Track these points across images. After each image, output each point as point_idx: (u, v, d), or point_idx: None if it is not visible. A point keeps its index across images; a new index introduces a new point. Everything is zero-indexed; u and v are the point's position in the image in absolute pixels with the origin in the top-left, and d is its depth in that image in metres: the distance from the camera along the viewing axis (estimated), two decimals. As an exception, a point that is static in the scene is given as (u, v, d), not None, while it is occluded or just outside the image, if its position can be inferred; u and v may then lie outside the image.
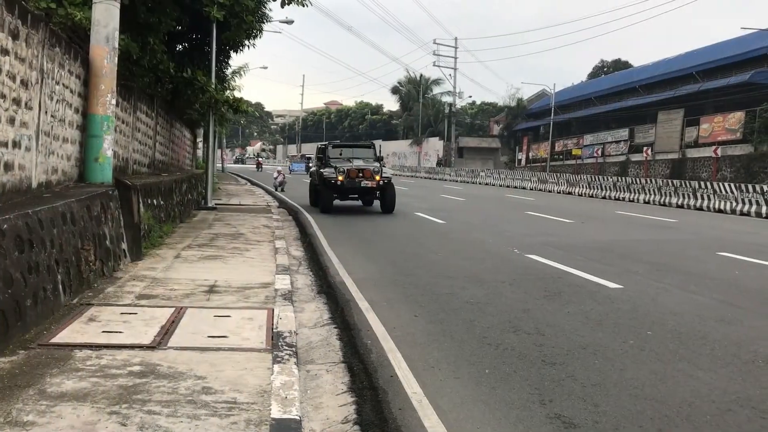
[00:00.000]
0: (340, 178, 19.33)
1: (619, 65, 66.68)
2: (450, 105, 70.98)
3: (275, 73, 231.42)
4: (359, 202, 21.82)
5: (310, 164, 59.92)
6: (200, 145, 33.79)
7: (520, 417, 4.41)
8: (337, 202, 20.47)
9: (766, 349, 6.04)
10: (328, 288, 8.64)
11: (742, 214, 23.31)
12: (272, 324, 6.32)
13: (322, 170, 20.08)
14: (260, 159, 79.20)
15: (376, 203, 21.23)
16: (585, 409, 4.55)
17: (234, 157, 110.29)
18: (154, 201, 12.43)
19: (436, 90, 79.29)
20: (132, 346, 5.44)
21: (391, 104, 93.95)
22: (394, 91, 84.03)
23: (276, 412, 4.15)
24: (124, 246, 9.27)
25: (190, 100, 17.93)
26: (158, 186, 13.11)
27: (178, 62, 16.47)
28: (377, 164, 20.26)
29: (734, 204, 23.98)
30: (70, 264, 7.00)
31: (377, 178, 19.52)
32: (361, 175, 19.52)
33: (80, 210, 7.60)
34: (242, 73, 30.01)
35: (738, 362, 5.67)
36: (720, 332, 6.64)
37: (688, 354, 5.90)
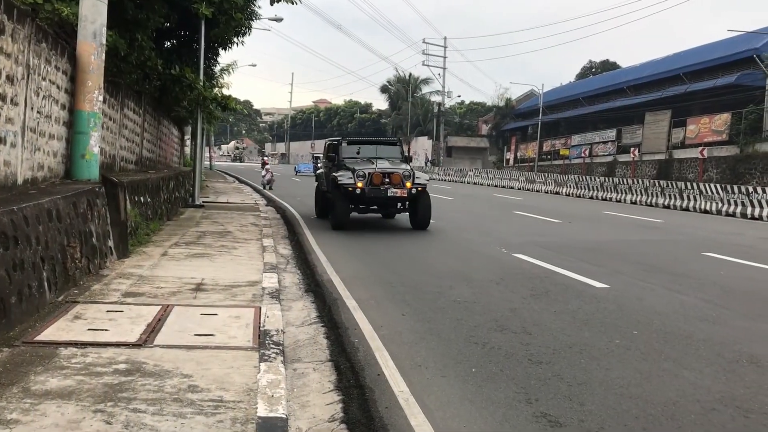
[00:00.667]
0: (360, 184, 14.67)
1: (607, 66, 66.98)
2: (439, 104, 71.11)
3: (264, 71, 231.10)
4: (377, 214, 17.07)
5: (318, 164, 55.84)
6: (188, 142, 33.65)
7: (507, 416, 4.43)
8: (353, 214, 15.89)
9: (751, 349, 6.09)
10: (315, 286, 8.63)
11: (727, 214, 23.49)
12: (259, 322, 6.31)
13: (335, 174, 15.16)
14: (265, 158, 72.77)
15: (399, 216, 17.07)
16: (571, 408, 4.57)
17: (232, 155, 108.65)
18: (141, 198, 12.38)
19: (425, 89, 79.50)
20: (118, 344, 5.41)
21: (380, 103, 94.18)
22: (383, 90, 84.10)
23: (262, 410, 4.14)
24: (110, 243, 9.22)
25: (178, 97, 17.84)
26: (145, 183, 13.05)
27: (166, 59, 16.38)
28: (407, 166, 15.66)
29: (720, 205, 24.15)
30: (56, 261, 6.95)
31: (408, 184, 14.91)
32: (387, 180, 14.89)
33: (66, 207, 7.55)
34: (231, 70, 29.90)
35: (722, 362, 5.71)
36: (705, 332, 6.69)
37: (673, 353, 5.94)
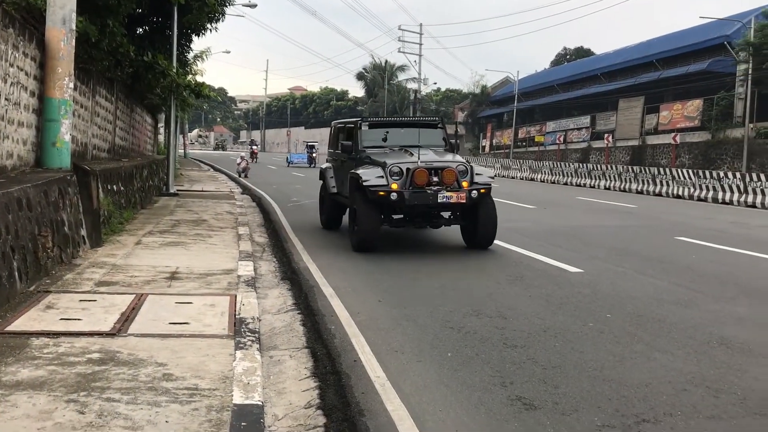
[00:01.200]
0: (395, 186, 10.17)
1: (582, 53, 67.30)
2: (415, 92, 71.01)
3: (238, 58, 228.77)
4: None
5: (313, 154, 47.73)
6: (162, 130, 33.30)
7: (482, 399, 4.46)
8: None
9: (721, 331, 6.19)
10: (292, 274, 8.60)
11: (699, 199, 23.81)
12: (235, 310, 6.28)
13: (356, 171, 10.69)
14: (255, 147, 55.58)
15: (444, 230, 12.09)
16: (545, 390, 4.62)
17: (214, 143, 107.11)
18: (114, 187, 12.24)
19: (402, 76, 79.21)
20: (91, 334, 5.35)
21: (357, 90, 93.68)
22: (360, 77, 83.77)
23: (238, 397, 4.13)
24: (83, 232, 9.10)
25: (151, 84, 17.62)
26: (118, 171, 12.89)
27: (138, 46, 16.17)
28: (461, 158, 11.06)
29: (692, 190, 24.48)
30: (27, 251, 6.85)
31: (465, 184, 10.42)
32: (435, 180, 10.28)
33: (37, 195, 7.44)
34: (204, 57, 29.53)
35: (694, 344, 5.80)
36: (677, 315, 6.79)
37: (646, 336, 6.02)
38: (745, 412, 4.32)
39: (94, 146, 13.65)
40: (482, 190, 10.51)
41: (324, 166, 13.51)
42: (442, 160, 10.66)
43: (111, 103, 15.41)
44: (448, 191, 10.17)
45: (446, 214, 11.01)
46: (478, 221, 10.68)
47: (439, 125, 12.45)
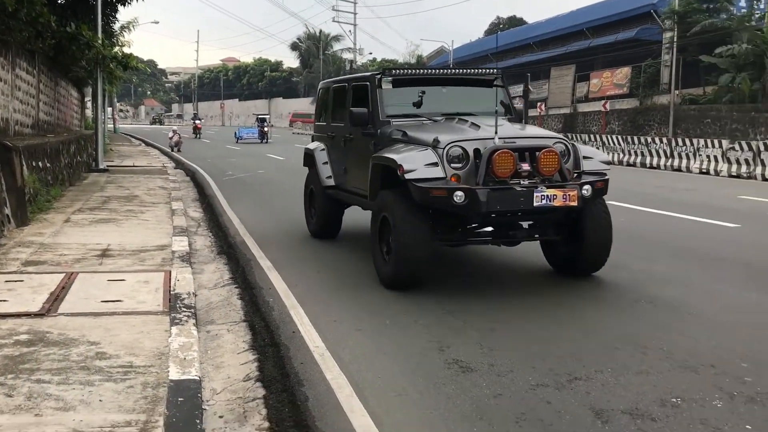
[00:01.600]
0: (454, 179, 6.10)
1: (515, 22, 67.89)
2: (351, 62, 70.51)
3: (168, 29, 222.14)
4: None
5: (265, 128, 42.25)
6: (89, 104, 32.16)
7: (420, 364, 4.52)
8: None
9: (649, 291, 6.42)
10: (228, 248, 8.49)
11: (628, 164, 24.50)
12: (170, 286, 6.17)
13: (384, 154, 6.65)
14: (198, 122, 49.67)
15: (524, 248, 7.77)
16: (481, 353, 4.71)
17: (149, 117, 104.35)
18: (40, 163, 11.78)
19: (337, 46, 78.57)
20: (18, 315, 5.18)
21: (291, 61, 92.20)
22: (294, 47, 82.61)
23: (174, 373, 4.07)
24: (7, 211, 8.76)
25: (76, 56, 16.95)
26: (44, 147, 12.42)
27: (60, 16, 15.53)
28: (551, 132, 7.65)
29: (621, 155, 25.16)
30: (-54, 231, 6.55)
31: (569, 174, 6.38)
32: (524, 169, 6.10)
33: (-46, 174, 7.10)
34: (131, 28, 28.54)
35: (623, 304, 6.01)
36: (609, 276, 6.99)
37: (578, 298, 6.20)
38: (671, 366, 4.50)
39: (17, 122, 13.08)
40: (599, 185, 6.56)
41: (311, 146, 9.41)
42: (532, 136, 6.84)
43: (33, 76, 14.76)
44: (548, 187, 6.08)
45: (526, 223, 6.85)
46: (585, 235, 6.71)
47: (493, 81, 8.17)
